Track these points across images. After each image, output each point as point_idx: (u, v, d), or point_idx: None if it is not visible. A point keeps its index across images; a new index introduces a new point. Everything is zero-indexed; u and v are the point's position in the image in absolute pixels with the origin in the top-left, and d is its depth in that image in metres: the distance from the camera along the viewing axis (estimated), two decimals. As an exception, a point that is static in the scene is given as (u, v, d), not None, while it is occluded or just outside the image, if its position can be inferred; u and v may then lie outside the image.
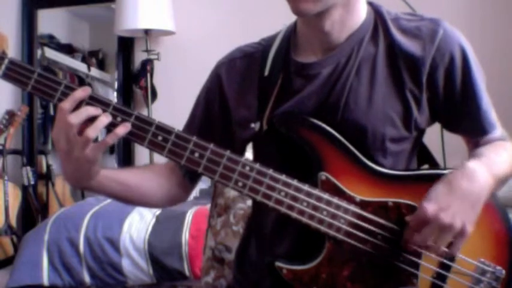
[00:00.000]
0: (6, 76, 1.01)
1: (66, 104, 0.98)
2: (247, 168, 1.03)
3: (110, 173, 1.11)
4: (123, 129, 1.00)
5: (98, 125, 0.98)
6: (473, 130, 1.14)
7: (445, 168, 1.11)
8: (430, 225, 0.97)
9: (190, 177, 1.22)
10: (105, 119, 0.99)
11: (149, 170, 1.25)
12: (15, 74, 1.01)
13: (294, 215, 1.03)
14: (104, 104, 1.01)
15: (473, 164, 1.03)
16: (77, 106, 0.98)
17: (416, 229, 0.99)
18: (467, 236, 0.99)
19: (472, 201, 1.00)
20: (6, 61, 1.01)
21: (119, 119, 1.01)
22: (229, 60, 1.19)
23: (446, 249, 1.01)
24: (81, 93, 0.99)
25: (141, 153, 3.65)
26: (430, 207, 0.97)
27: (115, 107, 1.01)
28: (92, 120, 0.98)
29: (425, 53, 1.06)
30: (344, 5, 1.06)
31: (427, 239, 0.99)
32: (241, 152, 1.17)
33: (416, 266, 1.04)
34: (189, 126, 1.22)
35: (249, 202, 1.44)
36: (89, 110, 0.98)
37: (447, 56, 1.06)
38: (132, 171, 1.23)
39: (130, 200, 1.17)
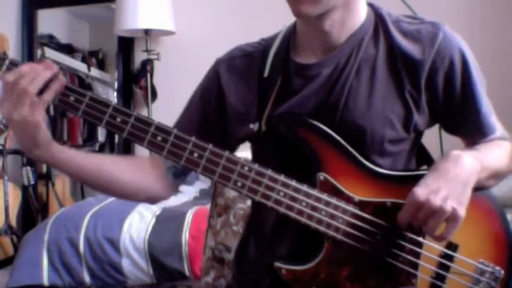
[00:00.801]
0: None
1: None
2: (246, 168, 1.03)
3: (81, 153, 1.09)
4: (58, 84, 0.99)
5: (34, 77, 0.97)
6: (472, 133, 1.15)
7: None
8: (423, 210, 0.98)
9: (174, 173, 1.18)
10: (39, 68, 0.98)
11: (128, 160, 1.21)
12: None
13: (293, 215, 1.03)
14: (103, 105, 1.01)
15: (457, 151, 1.04)
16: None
17: (410, 215, 1.00)
18: (459, 219, 0.99)
19: (461, 184, 1.00)
20: (7, 62, 1.01)
21: (118, 119, 1.02)
22: (229, 58, 1.19)
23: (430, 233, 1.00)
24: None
25: (141, 153, 3.65)
26: (420, 191, 0.98)
27: (114, 107, 1.02)
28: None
29: (425, 56, 1.06)
30: (344, 5, 1.06)
31: (422, 224, 0.99)
32: (233, 150, 1.15)
33: (416, 266, 1.05)
34: (182, 124, 1.17)
35: (249, 202, 1.44)
36: (24, 67, 0.98)
37: (447, 60, 1.06)
38: (109, 156, 1.19)
39: (98, 184, 1.12)
